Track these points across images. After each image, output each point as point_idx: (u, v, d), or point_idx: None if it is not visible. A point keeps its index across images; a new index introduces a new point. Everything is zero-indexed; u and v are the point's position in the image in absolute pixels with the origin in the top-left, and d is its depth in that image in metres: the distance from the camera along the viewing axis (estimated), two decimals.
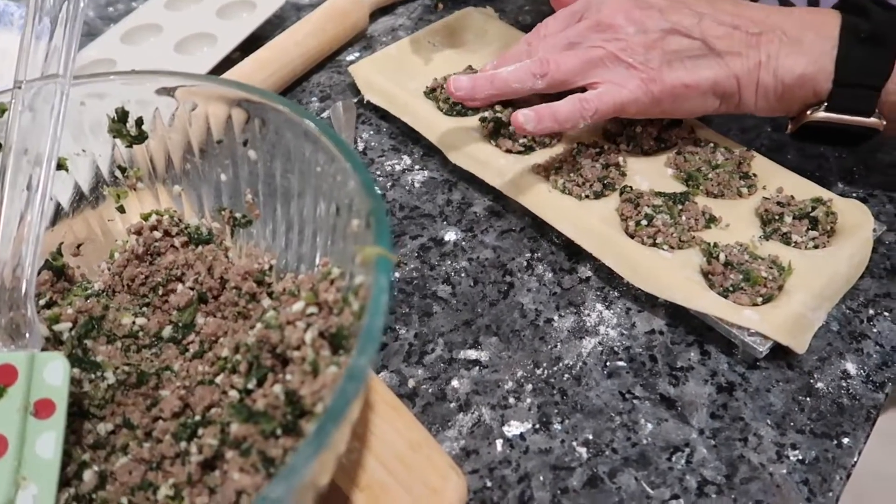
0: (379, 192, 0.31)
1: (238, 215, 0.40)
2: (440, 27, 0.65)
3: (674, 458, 0.38)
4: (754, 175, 0.49)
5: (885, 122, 0.46)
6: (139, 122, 0.38)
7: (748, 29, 0.47)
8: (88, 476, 0.31)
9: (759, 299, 0.42)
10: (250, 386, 0.33)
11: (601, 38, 0.48)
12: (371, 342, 0.24)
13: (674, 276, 0.43)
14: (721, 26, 0.47)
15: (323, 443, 0.22)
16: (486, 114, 0.54)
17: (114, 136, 0.39)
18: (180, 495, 0.32)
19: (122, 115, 0.38)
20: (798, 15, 0.48)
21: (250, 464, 0.29)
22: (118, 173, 0.40)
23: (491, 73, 0.49)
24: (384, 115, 0.59)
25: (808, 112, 0.47)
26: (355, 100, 0.62)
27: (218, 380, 0.35)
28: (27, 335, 0.32)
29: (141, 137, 0.39)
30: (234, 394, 0.34)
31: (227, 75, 0.60)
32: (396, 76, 0.60)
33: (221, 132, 0.39)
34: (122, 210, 0.41)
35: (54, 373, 0.31)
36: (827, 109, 0.46)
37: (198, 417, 0.33)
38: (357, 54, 0.68)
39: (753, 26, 0.47)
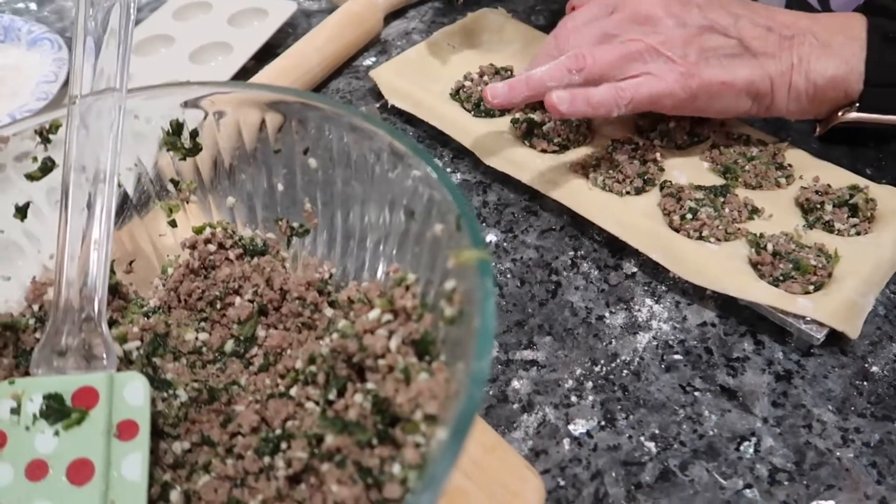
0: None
1: (295, 225, 0.39)
2: (457, 29, 0.65)
3: (742, 448, 0.39)
4: (790, 165, 0.50)
5: None
6: (194, 133, 0.38)
7: (781, 32, 0.47)
8: (175, 497, 0.31)
9: (811, 287, 0.43)
10: (331, 397, 0.32)
11: (640, 31, 0.48)
12: (488, 345, 0.24)
13: (723, 267, 0.44)
14: (756, 27, 0.47)
15: (460, 448, 0.22)
16: (518, 115, 0.54)
17: (168, 150, 0.38)
18: None
19: (178, 128, 0.37)
20: (825, 19, 0.48)
21: (347, 475, 0.29)
22: (170, 186, 0.39)
23: (526, 75, 0.48)
24: (408, 119, 0.59)
25: (840, 113, 0.48)
26: (377, 104, 0.61)
27: (293, 392, 0.34)
28: (104, 356, 0.31)
29: (196, 149, 0.38)
30: (311, 405, 0.33)
31: None
32: (419, 79, 0.60)
33: (273, 140, 0.38)
34: (173, 224, 0.40)
35: (135, 393, 0.30)
36: (859, 110, 0.47)
37: (278, 431, 0.33)
38: (374, 59, 0.67)
39: (786, 29, 0.47)
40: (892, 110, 0.47)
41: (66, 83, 0.63)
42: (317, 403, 0.33)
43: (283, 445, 0.32)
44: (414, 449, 0.28)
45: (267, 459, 0.32)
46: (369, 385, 0.31)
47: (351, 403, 0.31)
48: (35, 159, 0.36)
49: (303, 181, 0.38)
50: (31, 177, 0.36)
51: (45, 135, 0.36)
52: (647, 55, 0.47)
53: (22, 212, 0.37)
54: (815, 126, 0.53)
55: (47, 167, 0.37)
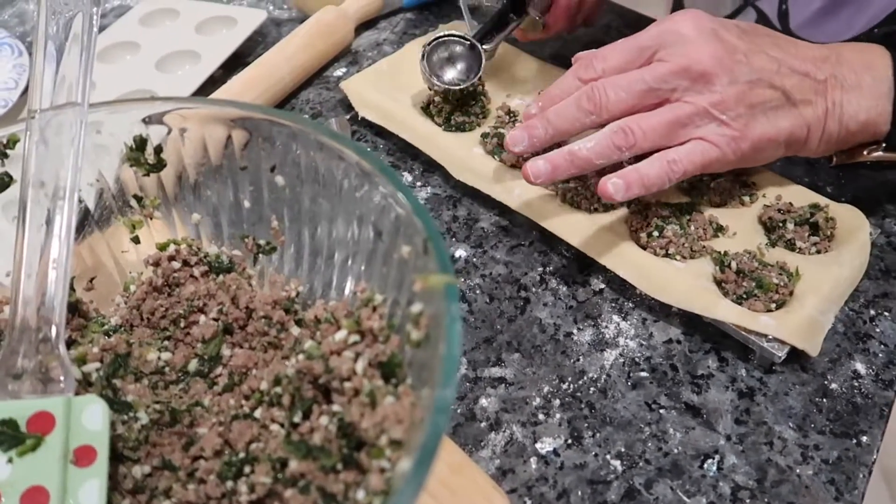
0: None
1: (262, 242, 0.39)
2: (430, 40, 0.65)
3: (705, 466, 0.39)
4: (753, 184, 0.51)
5: None
6: (158, 149, 0.37)
7: (815, 76, 0.45)
8: None
9: (773, 305, 0.43)
10: (296, 419, 0.32)
11: (693, 90, 0.44)
12: (453, 372, 0.24)
13: (689, 285, 0.44)
14: (794, 74, 0.45)
15: (424, 477, 0.22)
16: (488, 129, 0.55)
17: (131, 165, 0.37)
18: None
19: (141, 144, 0.36)
20: (849, 54, 0.47)
21: (311, 501, 0.29)
22: (133, 202, 0.39)
23: (569, 152, 0.45)
24: (379, 131, 0.59)
25: (865, 152, 0.47)
26: (348, 116, 0.61)
27: (257, 413, 0.34)
28: (61, 378, 0.30)
29: (159, 165, 0.37)
30: (276, 428, 0.33)
31: (217, 95, 0.59)
32: (390, 91, 0.59)
33: (240, 156, 0.38)
34: (136, 241, 0.39)
35: (93, 417, 0.30)
36: (885, 150, 0.47)
37: (241, 455, 0.32)
38: (344, 69, 0.67)
39: (819, 72, 0.45)
40: None
41: (26, 90, 0.61)
42: (282, 426, 0.33)
43: (247, 469, 0.31)
44: (379, 475, 0.28)
45: (230, 484, 0.31)
46: (335, 407, 0.31)
47: (316, 426, 0.31)
48: None
49: (270, 198, 0.38)
50: None
51: (2, 149, 0.35)
52: (697, 119, 0.45)
53: None
54: (830, 159, 0.51)
55: (4, 182, 0.36)
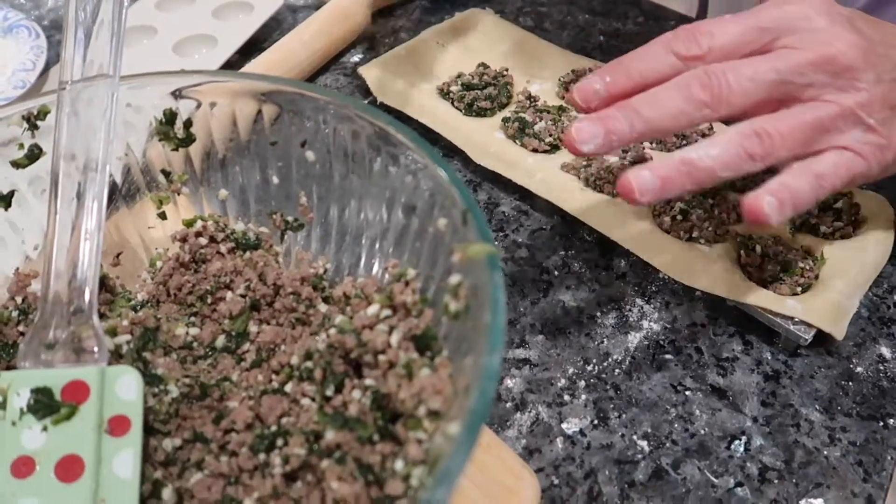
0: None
1: (290, 219, 0.39)
2: (447, 27, 0.65)
3: (732, 447, 0.39)
4: (776, 168, 0.51)
5: None
6: (188, 123, 0.37)
7: None
8: (167, 495, 0.30)
9: (798, 289, 0.43)
10: (328, 393, 0.32)
11: (834, 87, 0.37)
12: (499, 340, 0.24)
13: (714, 269, 0.44)
14: None
15: (473, 442, 0.22)
16: (509, 114, 0.54)
17: (160, 140, 0.37)
18: None
19: (171, 117, 0.36)
20: None
21: (348, 472, 0.28)
22: (161, 178, 0.38)
23: (683, 162, 0.36)
24: (397, 116, 0.59)
25: None
26: (366, 101, 0.61)
27: (287, 388, 0.33)
28: (95, 349, 0.30)
29: (188, 140, 0.37)
30: (307, 402, 0.32)
31: None
32: (408, 77, 0.59)
33: (269, 131, 0.38)
34: (163, 216, 0.39)
35: (127, 387, 0.30)
36: None
37: (273, 428, 0.32)
38: (361, 56, 0.67)
39: None
40: None
41: (45, 71, 0.61)
42: (312, 400, 0.32)
43: (279, 442, 0.31)
44: (417, 445, 0.28)
45: (262, 456, 0.31)
46: (368, 381, 0.31)
47: (349, 400, 0.31)
48: (21, 146, 0.35)
49: (298, 174, 0.38)
50: (16, 164, 0.35)
51: (32, 121, 0.35)
52: (841, 123, 0.37)
53: (6, 200, 0.35)
54: None
55: (34, 154, 0.35)
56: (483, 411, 0.22)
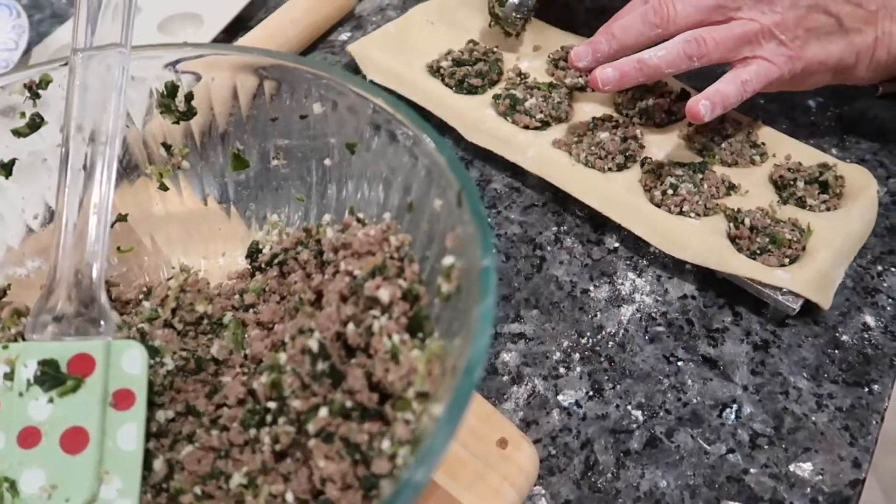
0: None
1: None
2: (434, 5, 0.64)
3: (723, 415, 0.40)
4: (763, 143, 0.52)
5: None
6: (189, 97, 0.36)
7: (867, 6, 0.48)
8: (158, 465, 0.30)
9: (786, 260, 0.44)
10: (321, 368, 0.32)
11: (757, 10, 0.47)
12: (487, 325, 0.24)
13: (704, 241, 0.45)
14: (848, 3, 0.47)
15: (456, 424, 0.22)
16: (500, 91, 0.55)
17: (161, 112, 0.37)
18: (254, 483, 0.31)
19: (172, 90, 0.36)
20: None
21: (335, 451, 0.29)
22: (162, 151, 0.38)
23: (638, 60, 0.47)
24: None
25: None
26: None
27: (281, 360, 0.33)
28: (101, 323, 0.30)
29: (190, 113, 0.37)
30: (296, 382, 0.32)
31: None
32: (398, 54, 0.59)
33: (251, 105, 0.37)
34: (164, 188, 0.39)
35: (132, 361, 0.30)
36: None
37: (266, 404, 0.32)
38: (349, 34, 0.66)
39: (870, 2, 0.48)
40: None
41: (27, 51, 0.60)
42: (303, 383, 0.32)
43: (269, 418, 0.31)
44: (404, 425, 0.28)
45: (252, 432, 0.31)
46: (359, 360, 0.31)
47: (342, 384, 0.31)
48: (23, 114, 0.35)
49: (299, 151, 0.38)
50: (17, 133, 0.35)
51: (34, 89, 0.35)
52: (762, 37, 0.47)
53: (7, 168, 0.35)
54: (876, 88, 0.54)
55: (35, 123, 0.35)
56: (467, 393, 0.22)
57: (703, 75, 0.52)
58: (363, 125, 0.35)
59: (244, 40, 0.59)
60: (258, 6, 0.69)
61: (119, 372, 0.29)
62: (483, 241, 0.26)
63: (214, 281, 0.39)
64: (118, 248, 0.39)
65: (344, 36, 0.66)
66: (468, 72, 0.56)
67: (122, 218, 0.39)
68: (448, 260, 0.29)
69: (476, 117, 0.53)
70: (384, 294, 0.30)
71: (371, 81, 0.58)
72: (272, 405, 0.31)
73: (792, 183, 0.48)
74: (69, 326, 0.30)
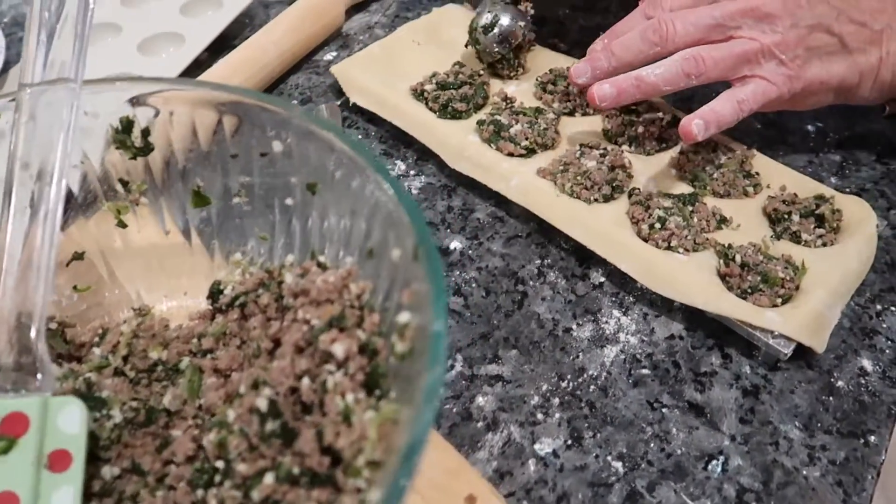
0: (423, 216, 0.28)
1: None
2: (422, 24, 0.63)
3: (709, 468, 0.38)
4: (757, 174, 0.50)
5: None
6: (145, 132, 0.35)
7: (872, 26, 0.47)
8: None
9: (779, 300, 0.42)
10: (271, 428, 0.30)
11: (757, 29, 0.46)
12: (435, 395, 0.22)
13: (692, 279, 0.43)
14: (852, 23, 0.47)
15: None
16: (484, 117, 0.53)
17: (117, 148, 0.35)
18: None
19: (127, 125, 0.34)
20: None
21: None
22: (119, 187, 0.37)
23: (636, 77, 0.47)
24: (371, 117, 0.57)
25: None
26: (338, 102, 0.59)
27: (230, 418, 0.32)
28: (39, 376, 0.29)
29: (146, 149, 0.35)
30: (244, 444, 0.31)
31: (202, 78, 0.56)
32: (382, 76, 0.57)
33: (212, 141, 0.36)
34: (122, 225, 0.37)
35: (70, 419, 0.28)
36: None
37: (215, 463, 0.30)
38: (334, 54, 0.65)
39: (875, 22, 0.47)
40: None
41: (4, 70, 0.59)
42: (251, 444, 0.30)
43: (217, 478, 0.30)
44: (354, 495, 0.26)
45: (200, 493, 0.30)
46: (312, 420, 0.29)
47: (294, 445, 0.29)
48: None
49: (261, 188, 0.36)
50: None
51: None
52: (761, 57, 0.46)
53: None
54: (883, 108, 0.54)
55: None
56: (404, 483, 0.20)
57: (700, 98, 0.50)
58: (324, 165, 0.33)
59: (225, 61, 0.58)
60: (243, 24, 0.67)
61: (56, 431, 0.28)
62: (436, 303, 0.24)
63: (176, 321, 0.38)
64: (74, 287, 0.37)
65: (329, 55, 0.65)
66: (452, 95, 0.54)
67: (78, 256, 0.37)
68: (404, 317, 0.28)
69: (459, 143, 0.52)
70: (339, 349, 0.29)
71: (354, 104, 0.57)
72: (220, 464, 0.29)
73: (786, 216, 0.46)
74: (6, 380, 0.28)
